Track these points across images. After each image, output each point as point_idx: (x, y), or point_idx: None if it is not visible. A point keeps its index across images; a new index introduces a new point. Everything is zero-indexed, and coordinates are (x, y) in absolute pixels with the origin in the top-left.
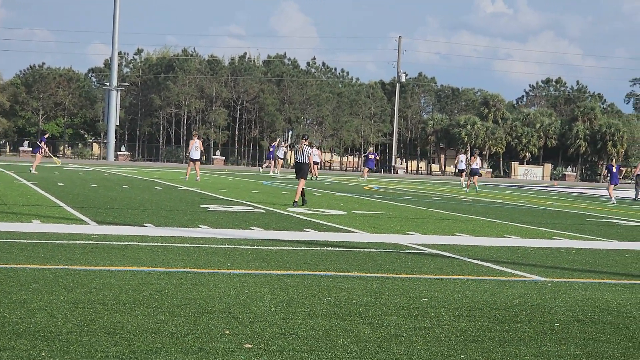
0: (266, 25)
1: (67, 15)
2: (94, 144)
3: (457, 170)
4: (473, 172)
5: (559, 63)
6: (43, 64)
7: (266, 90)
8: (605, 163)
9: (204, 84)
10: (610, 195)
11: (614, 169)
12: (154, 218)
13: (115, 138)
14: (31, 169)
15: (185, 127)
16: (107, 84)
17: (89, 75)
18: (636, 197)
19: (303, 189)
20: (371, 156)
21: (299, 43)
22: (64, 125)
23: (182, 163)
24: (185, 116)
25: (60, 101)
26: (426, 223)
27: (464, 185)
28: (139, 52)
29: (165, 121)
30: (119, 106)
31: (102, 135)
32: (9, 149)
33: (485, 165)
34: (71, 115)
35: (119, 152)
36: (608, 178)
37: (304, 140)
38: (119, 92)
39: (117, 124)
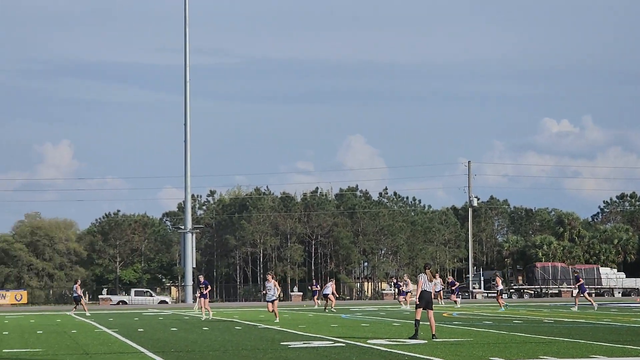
0: (334, 159)
1: (138, 162)
2: (172, 288)
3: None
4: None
5: (630, 177)
6: (118, 211)
7: (340, 224)
8: None
9: (278, 221)
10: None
11: (581, 280)
12: (235, 359)
13: (192, 280)
14: (208, 315)
15: (261, 265)
16: (182, 227)
17: (164, 219)
18: None
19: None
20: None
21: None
22: (141, 271)
23: (260, 302)
24: (261, 254)
25: (136, 247)
26: (509, 347)
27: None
28: (212, 193)
29: (242, 260)
30: (194, 248)
31: (179, 278)
32: (88, 297)
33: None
34: (148, 260)
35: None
36: (578, 288)
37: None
38: (194, 235)
39: (194, 266)
